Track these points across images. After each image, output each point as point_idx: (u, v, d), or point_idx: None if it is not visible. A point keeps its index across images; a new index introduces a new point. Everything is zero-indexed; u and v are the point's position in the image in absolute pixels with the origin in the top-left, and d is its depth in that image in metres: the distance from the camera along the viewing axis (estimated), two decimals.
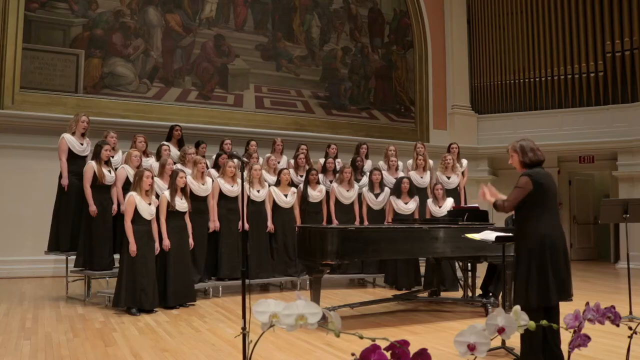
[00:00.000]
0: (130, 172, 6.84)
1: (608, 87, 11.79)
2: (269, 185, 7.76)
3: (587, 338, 1.77)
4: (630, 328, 2.06)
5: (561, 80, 12.32)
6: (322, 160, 8.82)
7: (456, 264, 7.43)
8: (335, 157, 9.01)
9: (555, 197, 3.85)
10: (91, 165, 6.68)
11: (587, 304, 1.91)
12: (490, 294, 6.49)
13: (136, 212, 6.02)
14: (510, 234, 4.98)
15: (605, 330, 2.64)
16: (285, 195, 7.78)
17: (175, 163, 7.10)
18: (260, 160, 8.25)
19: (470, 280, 6.69)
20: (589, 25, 12.04)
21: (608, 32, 11.78)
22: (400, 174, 8.53)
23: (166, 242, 6.26)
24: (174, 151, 7.94)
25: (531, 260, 3.74)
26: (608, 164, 12.22)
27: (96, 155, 6.73)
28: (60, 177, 6.88)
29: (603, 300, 1.98)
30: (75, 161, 6.92)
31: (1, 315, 5.82)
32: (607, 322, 1.88)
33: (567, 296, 3.76)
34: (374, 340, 1.31)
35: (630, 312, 5.77)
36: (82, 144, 7.03)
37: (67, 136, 6.93)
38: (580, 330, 1.77)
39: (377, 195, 8.22)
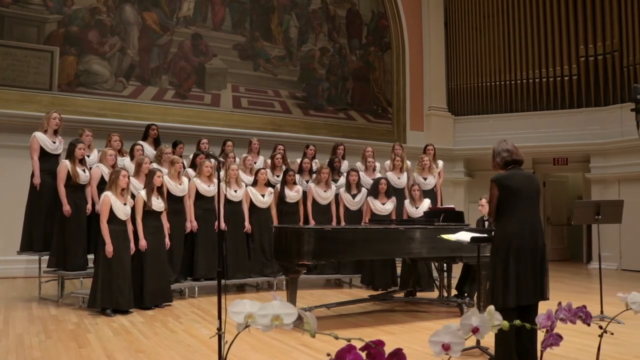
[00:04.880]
0: (105, 171, 6.76)
1: (582, 91, 11.98)
2: (246, 186, 7.74)
3: (559, 337, 1.80)
4: (600, 327, 2.10)
5: (536, 83, 12.49)
6: (299, 161, 8.81)
7: (432, 264, 7.49)
8: (313, 157, 9.01)
9: (528, 197, 3.84)
10: (65, 165, 6.57)
11: (560, 303, 1.94)
12: (466, 294, 6.55)
13: (111, 212, 5.95)
14: (485, 235, 5.04)
15: (577, 329, 2.68)
16: (263, 196, 7.76)
17: (151, 162, 7.03)
18: (237, 160, 8.21)
19: (445, 280, 6.74)
20: (563, 30, 12.23)
21: (582, 36, 11.97)
22: (378, 175, 8.56)
23: (142, 242, 6.21)
24: (150, 150, 7.86)
25: (497, 261, 3.79)
26: (581, 166, 12.42)
27: (70, 154, 6.63)
28: (33, 176, 6.77)
29: (575, 300, 2.01)
30: (47, 159, 6.81)
31: None
32: (579, 321, 1.91)
33: (534, 298, 3.75)
34: (349, 340, 1.31)
35: (602, 312, 5.86)
36: (54, 142, 6.91)
37: (38, 134, 6.81)
38: (553, 329, 1.79)
39: (354, 196, 8.24)
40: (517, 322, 1.71)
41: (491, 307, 1.62)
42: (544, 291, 3.80)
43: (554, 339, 1.79)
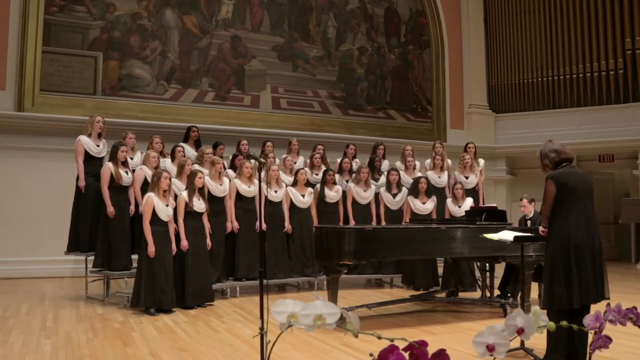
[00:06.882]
0: (148, 172, 6.87)
1: (628, 85, 11.64)
2: (286, 186, 7.77)
3: (609, 339, 1.75)
4: None
5: (580, 78, 12.18)
6: (339, 161, 8.80)
7: (474, 264, 7.39)
8: (354, 157, 8.99)
9: (585, 196, 3.79)
10: (108, 167, 6.73)
11: (608, 304, 1.89)
12: (509, 295, 6.45)
13: (154, 213, 6.06)
14: (528, 234, 4.95)
15: (627, 331, 2.61)
16: (302, 196, 7.79)
17: (192, 164, 7.13)
18: (277, 161, 8.26)
19: (488, 280, 6.64)
20: (608, 22, 11.89)
21: (628, 28, 11.62)
22: (418, 174, 8.48)
23: (184, 243, 6.30)
24: (191, 152, 7.97)
25: (556, 261, 3.71)
26: (628, 163, 12.06)
27: (113, 157, 6.78)
28: (78, 178, 6.94)
29: (624, 301, 1.95)
30: (92, 162, 6.96)
31: (22, 314, 5.90)
32: (629, 323, 1.85)
33: (595, 298, 3.69)
34: (392, 340, 1.30)
35: None
36: (98, 146, 7.06)
37: (83, 138, 6.98)
38: (601, 331, 1.74)
39: (394, 195, 8.19)
40: (564, 323, 1.67)
41: (537, 308, 1.59)
42: (604, 291, 3.73)
43: (603, 341, 1.74)
